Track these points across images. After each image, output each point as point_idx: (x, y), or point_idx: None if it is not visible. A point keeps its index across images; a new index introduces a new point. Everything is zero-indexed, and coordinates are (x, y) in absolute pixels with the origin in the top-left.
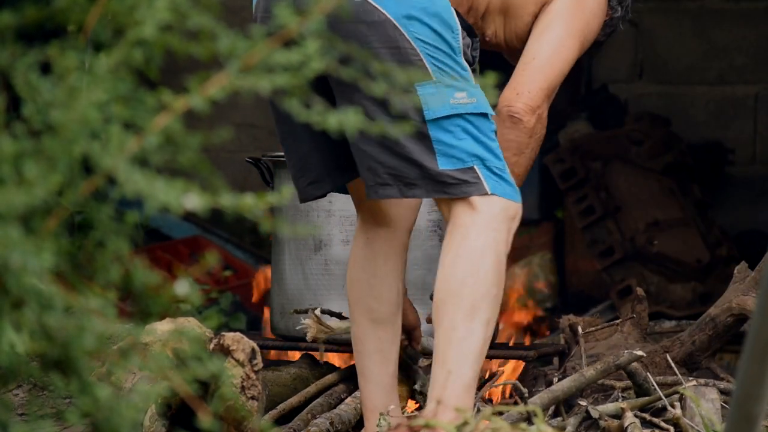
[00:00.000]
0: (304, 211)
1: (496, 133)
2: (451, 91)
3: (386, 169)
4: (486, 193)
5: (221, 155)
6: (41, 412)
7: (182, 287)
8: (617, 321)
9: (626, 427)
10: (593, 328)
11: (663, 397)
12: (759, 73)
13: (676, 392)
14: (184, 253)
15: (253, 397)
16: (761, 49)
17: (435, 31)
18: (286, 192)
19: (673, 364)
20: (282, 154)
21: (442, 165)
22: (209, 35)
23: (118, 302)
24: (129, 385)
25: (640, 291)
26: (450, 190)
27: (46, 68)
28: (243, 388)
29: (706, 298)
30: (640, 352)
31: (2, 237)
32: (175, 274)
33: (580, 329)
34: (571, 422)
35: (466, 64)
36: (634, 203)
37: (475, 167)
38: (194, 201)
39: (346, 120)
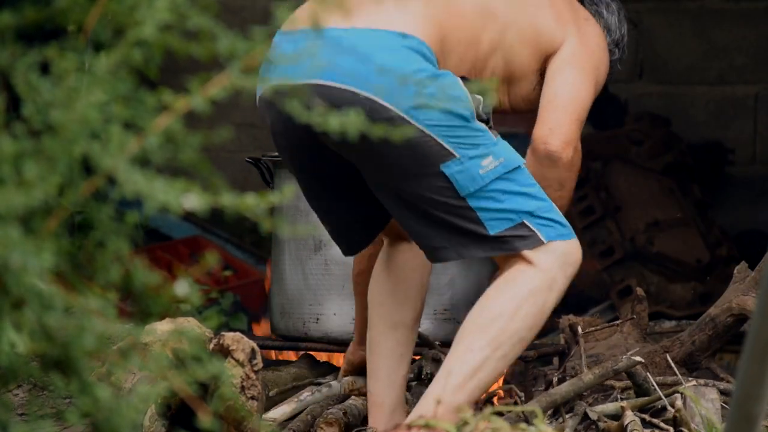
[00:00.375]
0: (304, 211)
1: (530, 171)
2: (476, 162)
3: (439, 240)
4: (542, 243)
5: (221, 155)
6: (41, 412)
7: (182, 288)
8: (617, 321)
9: (626, 426)
10: (593, 328)
11: (663, 397)
12: (759, 73)
13: (677, 392)
14: (184, 253)
15: (253, 397)
16: (761, 49)
17: (445, 110)
18: (288, 191)
19: (673, 364)
20: None
21: (493, 229)
22: (209, 35)
23: (118, 302)
24: (129, 385)
25: (640, 291)
26: (506, 247)
27: (46, 68)
28: (243, 388)
29: (706, 298)
30: (638, 358)
31: (2, 237)
32: (175, 274)
33: (580, 329)
34: (570, 424)
35: (481, 125)
36: (634, 203)
37: (525, 221)
38: (194, 201)
39: (347, 122)
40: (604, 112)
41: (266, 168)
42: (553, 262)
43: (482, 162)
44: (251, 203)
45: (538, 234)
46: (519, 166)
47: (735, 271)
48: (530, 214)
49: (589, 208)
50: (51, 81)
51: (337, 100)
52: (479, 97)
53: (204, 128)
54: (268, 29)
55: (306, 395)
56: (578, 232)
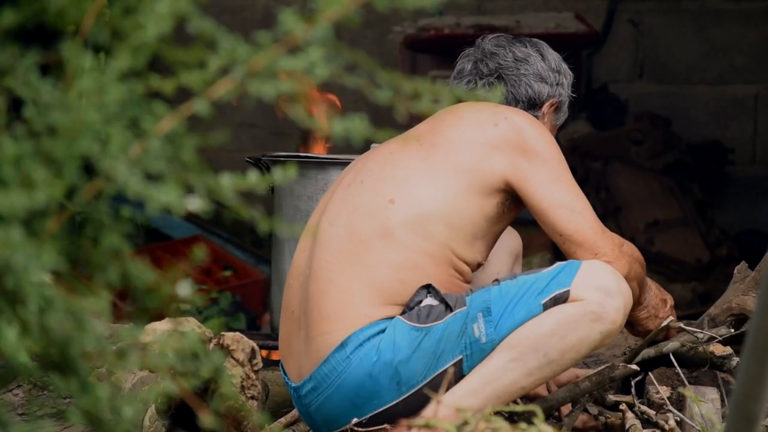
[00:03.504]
0: (304, 211)
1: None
2: (472, 341)
3: None
4: (568, 289)
5: (221, 155)
6: (41, 412)
7: (183, 288)
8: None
9: (628, 429)
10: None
11: (664, 398)
12: (759, 73)
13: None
14: (184, 253)
15: (252, 397)
16: (761, 49)
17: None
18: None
19: (675, 363)
20: (281, 153)
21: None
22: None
23: (117, 301)
24: (129, 385)
25: None
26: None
27: (46, 69)
28: (243, 387)
29: (706, 298)
30: (634, 367)
31: (4, 238)
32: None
33: None
34: (566, 422)
35: (431, 326)
36: (634, 203)
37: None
38: (196, 202)
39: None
40: (604, 112)
41: (266, 168)
42: (595, 294)
43: (475, 335)
44: (253, 183)
45: (553, 293)
46: (488, 307)
47: (735, 271)
48: (539, 292)
49: None
50: (51, 82)
51: None
52: (418, 299)
53: (203, 128)
54: (272, 33)
55: None
56: None
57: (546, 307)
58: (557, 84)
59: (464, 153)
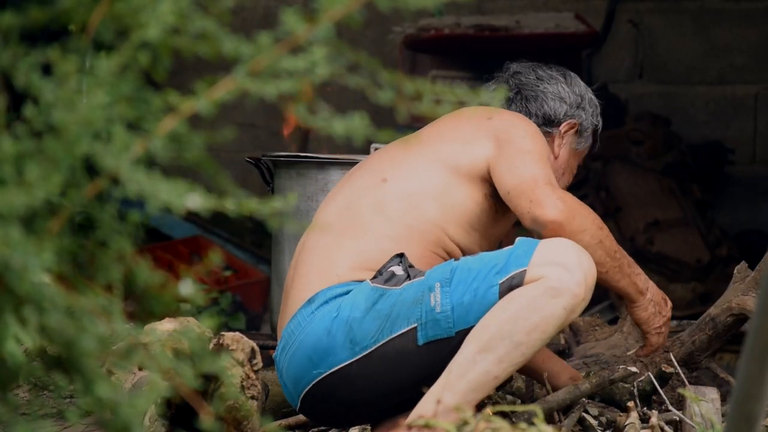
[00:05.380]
0: (304, 210)
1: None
2: (427, 310)
3: None
4: (524, 270)
5: (221, 155)
6: (42, 412)
7: (186, 288)
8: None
9: (625, 426)
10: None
11: (665, 398)
12: (759, 73)
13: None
14: (184, 253)
15: (252, 397)
16: (761, 49)
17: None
18: (292, 198)
19: (675, 363)
20: (281, 153)
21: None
22: (213, 38)
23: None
24: (129, 385)
25: None
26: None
27: (48, 69)
28: (243, 387)
29: (706, 298)
30: (634, 369)
31: (4, 237)
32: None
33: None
34: (566, 423)
35: (385, 287)
36: (634, 203)
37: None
38: (196, 201)
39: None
40: (604, 112)
41: (266, 168)
42: (553, 270)
43: (431, 304)
44: (255, 207)
45: (510, 273)
46: (447, 278)
47: (735, 271)
48: (497, 271)
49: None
50: (53, 82)
51: None
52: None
53: (205, 128)
54: (273, 33)
55: None
56: None
57: (502, 286)
58: (578, 107)
59: (456, 143)
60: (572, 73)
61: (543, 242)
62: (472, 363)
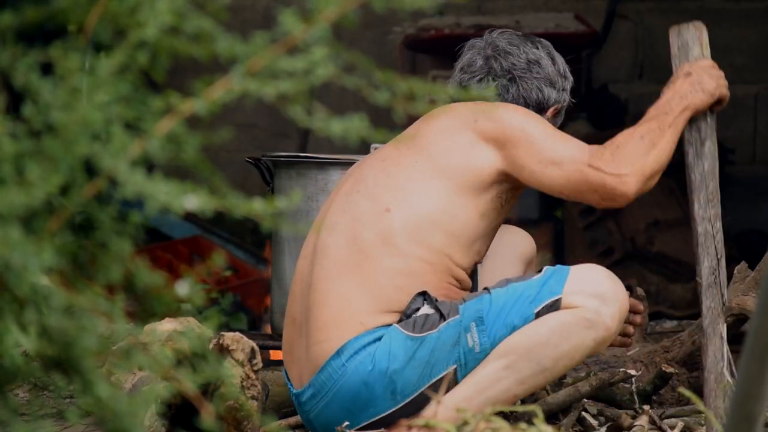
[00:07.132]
0: (305, 211)
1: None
2: (466, 350)
3: None
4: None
5: (221, 155)
6: (42, 412)
7: (183, 288)
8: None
9: (633, 426)
10: None
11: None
12: (759, 73)
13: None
14: (184, 253)
15: (253, 397)
16: (761, 49)
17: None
18: (296, 197)
19: (674, 364)
20: (281, 153)
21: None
22: (209, 38)
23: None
24: (129, 385)
25: (640, 291)
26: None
27: (47, 69)
28: (243, 387)
29: None
30: (633, 372)
31: (3, 237)
32: (178, 274)
33: None
34: (565, 422)
35: (426, 335)
36: (634, 203)
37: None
38: (194, 202)
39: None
40: (604, 112)
41: (266, 168)
42: (590, 301)
43: (469, 345)
44: (257, 208)
45: (545, 302)
46: (481, 316)
47: (735, 271)
48: (531, 300)
49: (589, 208)
50: (52, 81)
51: None
52: (415, 307)
53: (204, 128)
54: (270, 33)
55: None
56: (578, 232)
57: (539, 315)
58: (563, 90)
59: (451, 155)
60: (550, 45)
61: (575, 269)
62: (495, 380)
